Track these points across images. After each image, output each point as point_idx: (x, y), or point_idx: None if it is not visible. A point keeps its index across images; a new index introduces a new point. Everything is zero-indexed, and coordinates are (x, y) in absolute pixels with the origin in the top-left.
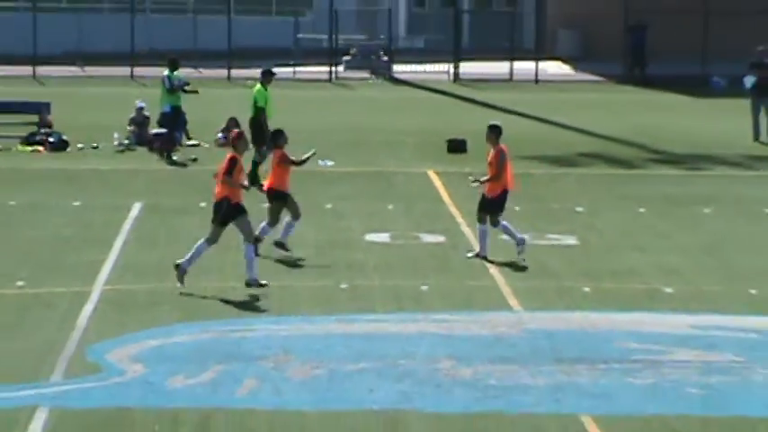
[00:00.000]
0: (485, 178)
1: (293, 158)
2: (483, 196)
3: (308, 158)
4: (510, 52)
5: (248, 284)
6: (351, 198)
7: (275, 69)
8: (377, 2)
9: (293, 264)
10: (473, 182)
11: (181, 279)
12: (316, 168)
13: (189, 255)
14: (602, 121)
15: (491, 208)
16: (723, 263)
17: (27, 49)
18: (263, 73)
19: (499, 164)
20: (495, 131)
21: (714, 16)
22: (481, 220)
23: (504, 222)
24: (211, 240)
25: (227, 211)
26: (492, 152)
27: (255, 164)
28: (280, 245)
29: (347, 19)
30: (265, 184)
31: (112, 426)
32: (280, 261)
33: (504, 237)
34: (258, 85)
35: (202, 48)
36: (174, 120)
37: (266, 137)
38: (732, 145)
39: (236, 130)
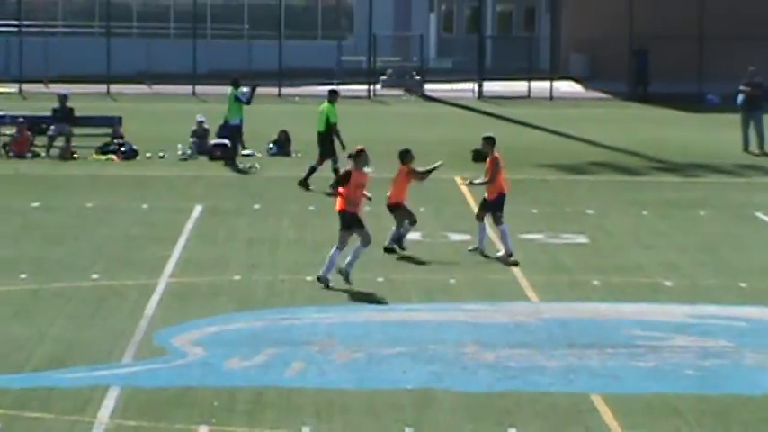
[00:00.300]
0: (478, 181)
1: (420, 170)
2: (484, 199)
3: (433, 169)
4: (528, 73)
5: (340, 272)
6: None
7: (322, 88)
8: (410, 28)
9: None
10: (468, 184)
11: (346, 279)
12: None
13: (326, 264)
14: (610, 133)
15: (491, 209)
16: (716, 259)
17: (102, 69)
18: (331, 92)
19: (494, 170)
20: (489, 142)
21: (708, 41)
22: (480, 219)
23: (505, 228)
24: (340, 247)
25: (350, 221)
26: (488, 160)
27: (336, 170)
28: (390, 250)
29: (384, 43)
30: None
31: (176, 402)
32: (324, 257)
33: (499, 242)
34: (326, 103)
35: (256, 68)
36: (240, 131)
37: (334, 150)
38: (724, 155)
39: (360, 147)
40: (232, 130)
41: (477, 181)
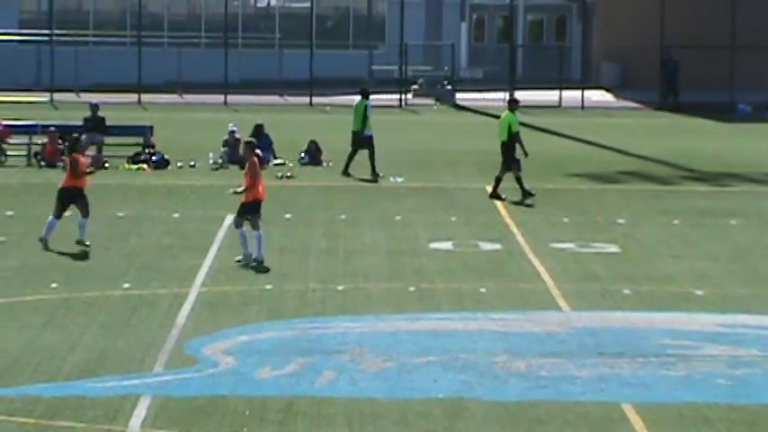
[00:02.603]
0: (240, 189)
1: None
2: (241, 203)
3: None
4: (559, 82)
5: None
6: (417, 210)
7: (353, 97)
8: (441, 37)
9: (367, 268)
10: (232, 193)
11: None
12: (387, 184)
13: None
14: (640, 142)
15: (246, 213)
16: (748, 268)
17: (133, 78)
18: (511, 100)
19: (253, 175)
20: (249, 147)
21: (739, 51)
22: (238, 225)
23: (261, 234)
24: None
25: None
26: (247, 165)
27: (519, 179)
28: None
29: (415, 52)
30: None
31: (208, 412)
32: (355, 266)
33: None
34: (507, 112)
35: (287, 78)
36: (372, 142)
37: (516, 157)
38: (756, 164)
39: None
40: (366, 141)
41: (239, 189)
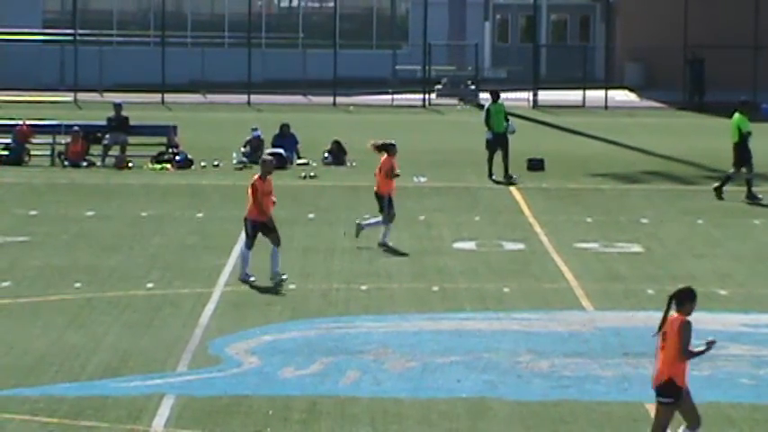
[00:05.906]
0: None
1: None
2: None
3: None
4: (582, 82)
5: None
6: (441, 210)
7: (376, 97)
8: (465, 37)
9: (390, 268)
10: None
11: None
12: (410, 183)
13: None
14: (664, 142)
15: None
16: None
17: (157, 78)
18: (743, 103)
19: None
20: None
21: (763, 51)
22: None
23: None
24: None
25: None
26: None
27: (749, 182)
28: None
29: (439, 52)
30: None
31: (231, 411)
32: (379, 266)
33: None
34: (737, 114)
35: (310, 77)
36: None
37: (749, 158)
38: None
39: None
40: (495, 140)
41: None
